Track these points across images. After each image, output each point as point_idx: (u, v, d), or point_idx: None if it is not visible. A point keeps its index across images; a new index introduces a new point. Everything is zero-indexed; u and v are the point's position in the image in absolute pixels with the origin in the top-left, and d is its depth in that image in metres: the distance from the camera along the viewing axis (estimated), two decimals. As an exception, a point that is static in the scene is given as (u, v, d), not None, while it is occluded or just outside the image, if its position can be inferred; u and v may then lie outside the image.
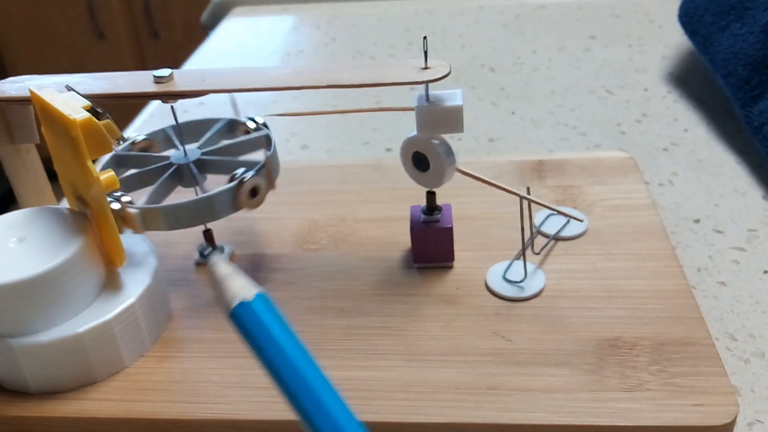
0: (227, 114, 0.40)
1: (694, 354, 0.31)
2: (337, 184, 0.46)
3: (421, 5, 0.83)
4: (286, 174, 0.47)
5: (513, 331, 0.33)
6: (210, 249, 0.25)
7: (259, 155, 0.38)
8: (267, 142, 0.38)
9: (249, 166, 0.35)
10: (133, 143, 0.40)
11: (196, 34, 0.90)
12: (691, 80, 0.59)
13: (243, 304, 0.24)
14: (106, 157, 0.39)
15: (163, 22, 1.86)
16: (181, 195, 0.36)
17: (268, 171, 0.35)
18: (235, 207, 0.34)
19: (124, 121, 0.56)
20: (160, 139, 0.40)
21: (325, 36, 0.77)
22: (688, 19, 0.55)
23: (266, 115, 0.40)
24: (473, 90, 0.61)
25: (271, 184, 0.35)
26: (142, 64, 1.93)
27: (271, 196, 0.38)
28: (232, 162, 0.37)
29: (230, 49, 0.76)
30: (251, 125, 0.39)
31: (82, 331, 0.31)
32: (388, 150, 0.53)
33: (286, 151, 0.54)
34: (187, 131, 0.40)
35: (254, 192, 0.34)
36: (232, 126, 0.40)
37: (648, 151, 0.50)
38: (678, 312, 0.33)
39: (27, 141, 0.37)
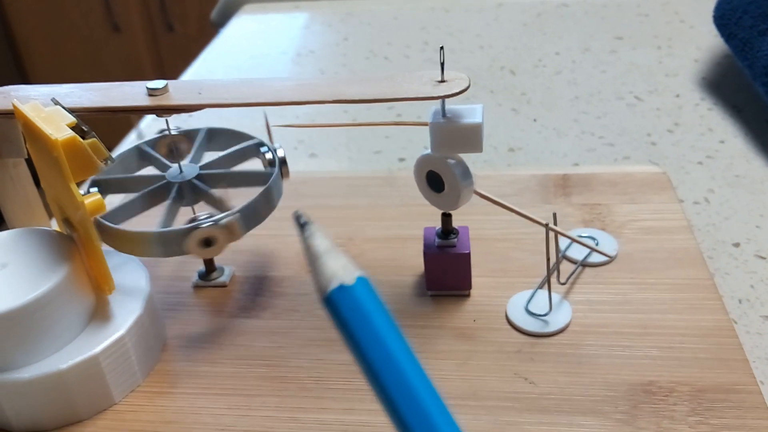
0: (254, 122, 0.37)
1: (738, 402, 0.28)
2: (345, 198, 0.43)
3: (438, 2, 0.80)
4: (291, 186, 0.44)
5: (536, 372, 0.30)
6: (305, 218, 0.21)
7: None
8: (263, 181, 0.34)
9: (223, 208, 0.32)
10: (164, 135, 0.37)
11: (210, 27, 0.88)
12: (725, 86, 0.56)
13: (342, 289, 0.20)
14: (131, 148, 0.37)
15: (177, 14, 1.84)
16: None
17: (232, 225, 0.31)
18: (184, 251, 0.31)
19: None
20: (193, 138, 0.37)
21: (337, 35, 0.74)
22: (724, 21, 0.51)
23: (274, 126, 0.37)
24: (492, 95, 0.58)
25: (234, 237, 0.31)
26: (157, 56, 1.92)
27: (275, 211, 0.35)
28: (214, 197, 0.33)
29: (239, 48, 0.74)
30: (269, 156, 0.36)
31: (65, 368, 0.29)
32: (401, 160, 0.50)
33: (293, 160, 0.51)
34: (218, 138, 0.38)
35: (207, 242, 0.31)
36: (259, 150, 0.36)
37: (681, 164, 0.46)
38: (719, 353, 0.30)
39: (14, 155, 0.35)
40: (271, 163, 0.35)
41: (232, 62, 0.71)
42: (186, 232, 0.31)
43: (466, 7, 0.78)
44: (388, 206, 0.42)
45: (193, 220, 0.31)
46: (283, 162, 0.35)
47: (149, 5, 1.85)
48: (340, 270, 0.21)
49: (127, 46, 1.89)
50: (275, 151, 0.35)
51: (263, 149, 0.36)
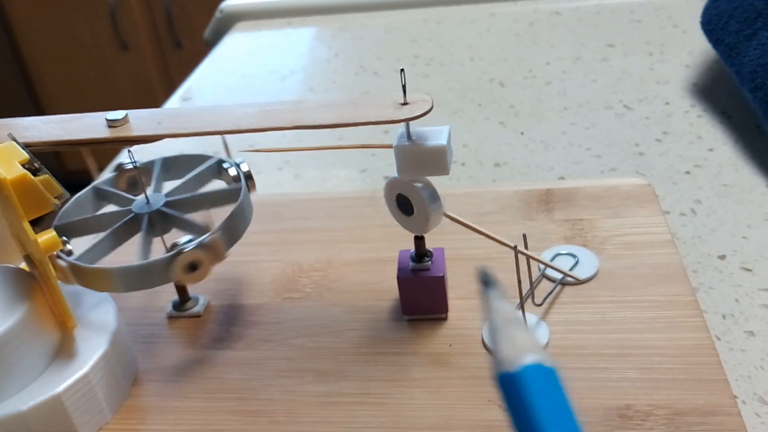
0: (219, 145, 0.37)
1: (717, 426, 0.27)
2: (325, 220, 0.43)
3: (430, 14, 0.79)
4: (271, 209, 0.44)
5: (509, 399, 0.29)
6: (491, 277, 0.18)
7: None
8: (235, 198, 0.33)
9: (200, 231, 0.31)
10: (121, 170, 0.36)
11: (206, 45, 0.88)
12: (716, 91, 0.55)
13: (540, 368, 0.18)
14: (87, 189, 0.36)
15: (185, 31, 1.85)
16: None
17: (216, 244, 0.31)
18: (169, 279, 0.30)
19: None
20: (150, 170, 0.37)
21: (328, 51, 0.74)
22: (711, 26, 0.50)
23: (241, 151, 0.37)
24: (480, 108, 0.57)
25: (219, 257, 0.31)
26: (165, 73, 1.93)
27: (253, 236, 0.34)
28: (188, 221, 0.33)
29: (231, 68, 0.73)
30: (233, 172, 0.35)
31: (26, 409, 0.28)
32: (387, 178, 0.49)
33: (276, 182, 0.51)
34: (177, 166, 0.37)
35: (193, 267, 0.30)
36: (220, 168, 0.36)
37: (669, 174, 0.45)
38: (698, 373, 0.29)
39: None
40: (235, 179, 0.35)
41: (222, 82, 0.70)
42: (170, 259, 0.30)
43: (459, 18, 0.77)
44: (368, 227, 0.41)
45: (173, 246, 0.30)
46: (248, 176, 0.34)
47: (156, 23, 1.86)
48: (533, 347, 0.18)
49: (135, 64, 1.91)
50: (239, 165, 0.35)
51: (225, 165, 0.35)
